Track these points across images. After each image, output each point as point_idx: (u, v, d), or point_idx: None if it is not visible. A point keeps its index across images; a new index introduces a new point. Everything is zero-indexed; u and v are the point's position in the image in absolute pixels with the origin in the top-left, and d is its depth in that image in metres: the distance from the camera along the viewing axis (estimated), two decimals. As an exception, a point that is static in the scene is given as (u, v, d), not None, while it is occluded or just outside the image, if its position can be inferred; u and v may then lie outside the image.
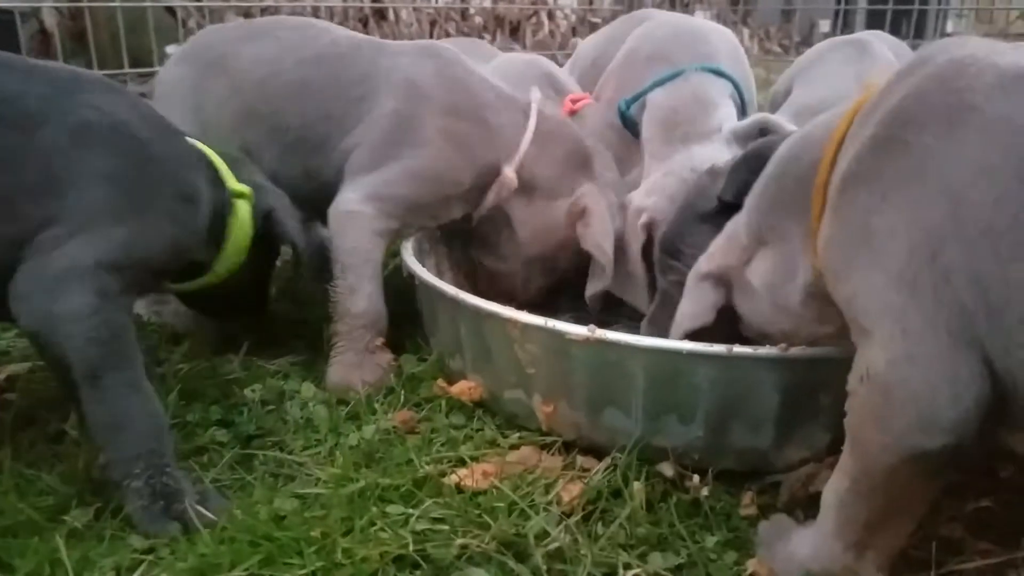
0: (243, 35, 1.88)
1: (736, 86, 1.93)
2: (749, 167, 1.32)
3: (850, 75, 1.96)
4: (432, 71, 1.71)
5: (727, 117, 1.84)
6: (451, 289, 1.48)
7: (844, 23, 6.18)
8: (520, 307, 1.42)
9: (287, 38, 1.82)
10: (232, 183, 1.50)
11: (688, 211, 1.48)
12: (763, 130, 1.72)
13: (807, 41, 5.79)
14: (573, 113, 2.04)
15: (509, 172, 1.69)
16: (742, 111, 1.94)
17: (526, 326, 1.36)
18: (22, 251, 1.19)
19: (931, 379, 0.89)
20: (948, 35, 5.69)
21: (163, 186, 1.32)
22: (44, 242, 1.19)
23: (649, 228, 1.73)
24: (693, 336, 1.31)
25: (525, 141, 1.71)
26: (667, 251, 1.49)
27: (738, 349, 1.23)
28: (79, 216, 1.21)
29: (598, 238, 1.70)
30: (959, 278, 0.88)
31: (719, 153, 1.73)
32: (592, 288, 1.72)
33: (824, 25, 6.18)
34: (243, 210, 1.50)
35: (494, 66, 2.15)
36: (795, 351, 1.22)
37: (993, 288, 0.85)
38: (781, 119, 1.76)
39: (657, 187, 1.77)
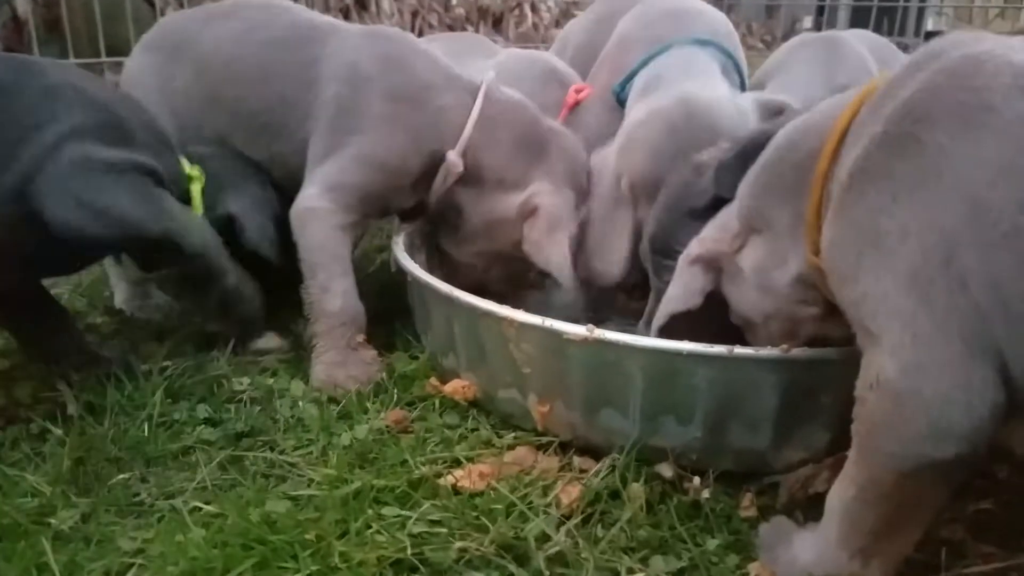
0: (206, 18, 1.84)
1: (735, 62, 1.89)
2: (747, 162, 1.30)
3: (818, 77, 1.92)
4: (375, 53, 1.67)
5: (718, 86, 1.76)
6: (445, 286, 1.46)
7: (827, 20, 6.18)
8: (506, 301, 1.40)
9: (249, 19, 1.78)
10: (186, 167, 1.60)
11: (678, 209, 1.46)
12: (780, 112, 1.64)
13: (789, 37, 5.80)
14: (577, 104, 2.00)
15: (453, 156, 1.63)
16: (742, 89, 1.90)
17: (522, 325, 1.33)
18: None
19: (943, 387, 0.88)
20: (930, 33, 5.73)
21: (140, 128, 1.47)
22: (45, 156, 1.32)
23: (632, 189, 1.64)
24: (679, 321, 1.30)
25: (470, 123, 1.64)
26: (660, 251, 1.46)
27: (739, 350, 1.21)
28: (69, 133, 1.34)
29: (542, 244, 1.62)
30: (976, 282, 0.86)
31: (713, 89, 1.67)
32: (562, 300, 1.66)
33: (807, 21, 6.18)
34: (196, 194, 1.60)
35: (497, 63, 2.11)
36: (795, 352, 1.20)
37: (1014, 293, 0.84)
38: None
39: (635, 141, 1.66)
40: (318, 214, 1.59)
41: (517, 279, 1.79)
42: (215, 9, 1.87)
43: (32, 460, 1.31)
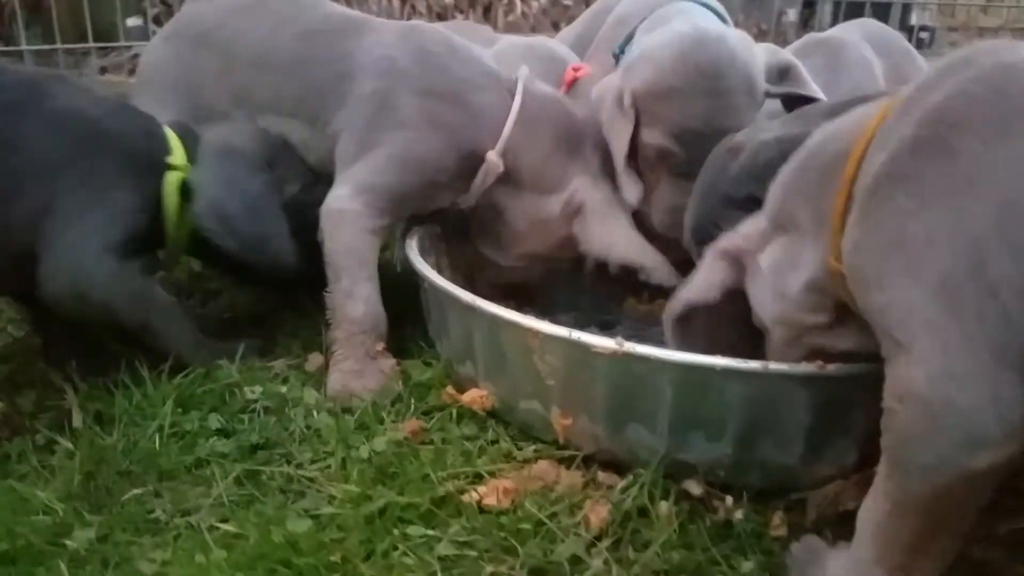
0: (230, 9, 1.80)
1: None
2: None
3: (820, 82, 1.90)
4: (411, 49, 1.64)
5: None
6: (466, 295, 1.42)
7: (812, 13, 6.19)
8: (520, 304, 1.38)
9: (279, 12, 1.74)
10: (171, 157, 1.56)
11: (714, 194, 1.43)
12: (782, 71, 1.64)
13: (776, 30, 5.80)
14: (575, 81, 1.96)
15: (493, 157, 1.61)
16: None
17: (547, 337, 1.30)
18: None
19: (975, 397, 0.86)
20: (912, 27, 5.74)
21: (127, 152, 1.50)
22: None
23: (636, 104, 1.59)
24: (702, 319, 1.29)
25: (510, 123, 1.61)
26: (699, 239, 1.43)
27: (773, 366, 1.19)
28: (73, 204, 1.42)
29: (601, 240, 1.61)
30: (1007, 290, 0.85)
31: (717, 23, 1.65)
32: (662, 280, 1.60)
33: (792, 14, 6.16)
34: (171, 182, 1.55)
35: (496, 51, 2.08)
36: (829, 368, 1.18)
37: None
38: (804, 72, 1.67)
39: (645, 57, 1.60)
40: (348, 216, 1.55)
41: (554, 278, 1.79)
42: (240, 2, 1.82)
43: (41, 474, 1.27)
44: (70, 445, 1.32)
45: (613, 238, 1.61)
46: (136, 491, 1.24)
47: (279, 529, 1.15)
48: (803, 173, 1.17)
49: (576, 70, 1.99)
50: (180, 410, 1.42)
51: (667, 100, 1.54)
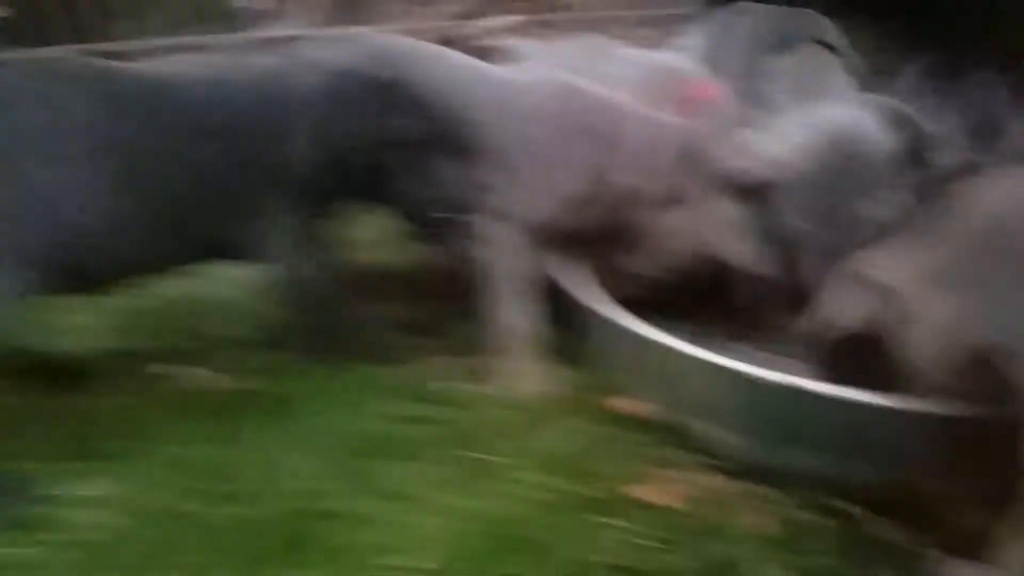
0: None
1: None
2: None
3: None
4: (542, 95, 1.87)
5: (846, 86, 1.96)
6: (624, 320, 1.61)
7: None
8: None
9: None
10: None
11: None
12: (900, 122, 1.83)
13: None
14: (700, 99, 2.07)
15: (622, 178, 1.83)
16: None
17: (704, 363, 1.47)
18: None
19: None
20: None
21: None
22: None
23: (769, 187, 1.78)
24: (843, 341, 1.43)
25: (635, 146, 1.83)
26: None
27: (925, 404, 1.33)
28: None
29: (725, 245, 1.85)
30: None
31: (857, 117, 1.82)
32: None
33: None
34: None
35: (617, 70, 2.16)
36: (980, 412, 1.29)
37: None
38: (919, 117, 1.87)
39: (781, 149, 1.80)
40: (505, 246, 1.79)
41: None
42: None
43: (290, 444, 1.51)
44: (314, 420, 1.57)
45: (734, 243, 1.82)
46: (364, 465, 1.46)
47: (475, 505, 1.35)
48: (989, 242, 1.26)
49: (701, 90, 2.10)
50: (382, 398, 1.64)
51: (804, 184, 1.73)
